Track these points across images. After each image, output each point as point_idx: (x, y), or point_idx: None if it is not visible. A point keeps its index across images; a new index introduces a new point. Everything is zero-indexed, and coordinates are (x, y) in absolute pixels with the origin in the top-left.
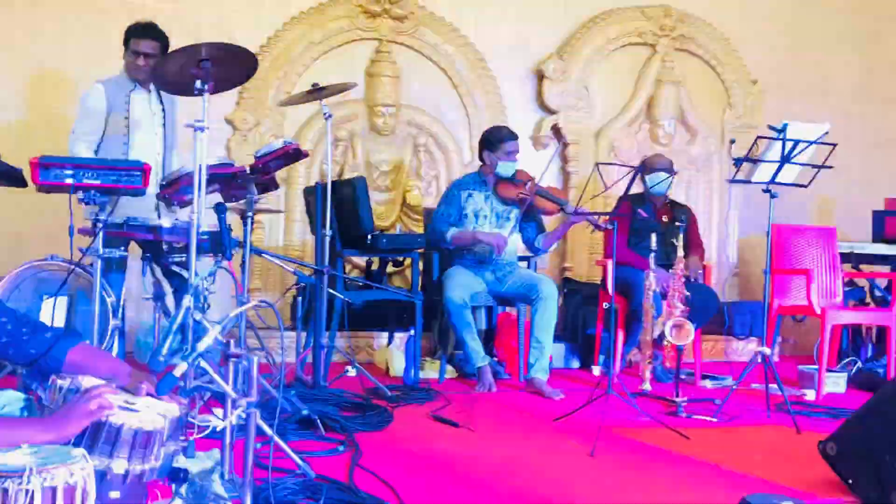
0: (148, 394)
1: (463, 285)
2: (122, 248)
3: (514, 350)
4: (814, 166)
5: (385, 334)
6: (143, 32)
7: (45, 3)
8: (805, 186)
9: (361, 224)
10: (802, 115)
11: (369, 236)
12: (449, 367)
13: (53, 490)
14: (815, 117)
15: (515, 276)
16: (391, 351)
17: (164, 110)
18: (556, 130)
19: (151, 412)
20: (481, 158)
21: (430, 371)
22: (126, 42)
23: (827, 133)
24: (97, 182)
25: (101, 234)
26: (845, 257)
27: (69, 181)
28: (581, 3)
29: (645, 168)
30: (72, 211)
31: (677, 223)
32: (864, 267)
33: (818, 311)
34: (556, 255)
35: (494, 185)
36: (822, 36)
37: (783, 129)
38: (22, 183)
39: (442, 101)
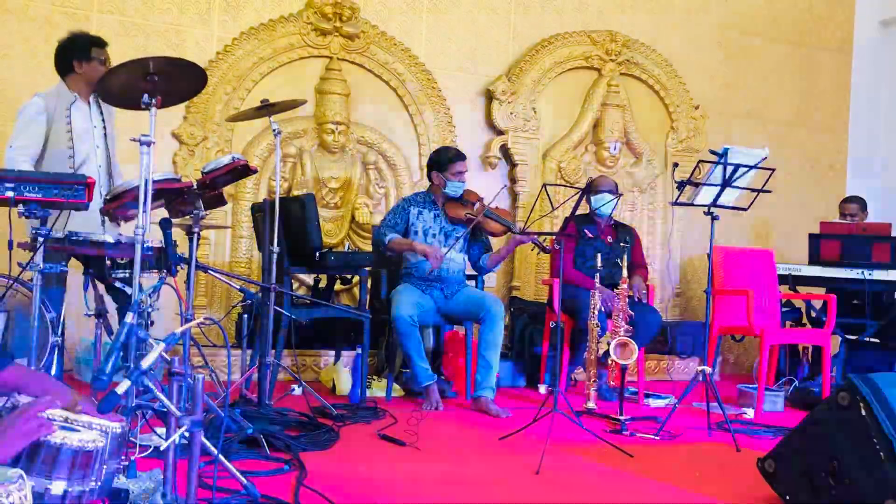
0: (86, 412)
1: (411, 303)
2: (63, 263)
3: (462, 368)
4: (753, 190)
5: (332, 352)
6: (100, 41)
7: None
8: (745, 209)
9: (309, 241)
10: (741, 140)
11: (317, 253)
12: (396, 386)
13: None
14: (754, 143)
15: (463, 295)
16: (338, 369)
17: (104, 122)
18: (504, 150)
19: (91, 431)
20: (430, 178)
21: (377, 389)
22: (85, 53)
23: (766, 158)
24: (39, 196)
25: (41, 249)
26: (783, 279)
27: (9, 194)
28: (530, 27)
29: (591, 189)
30: (11, 224)
31: (622, 244)
32: (800, 288)
33: (757, 332)
34: (504, 274)
35: (443, 204)
36: (761, 65)
37: (724, 154)
38: None
39: (392, 120)
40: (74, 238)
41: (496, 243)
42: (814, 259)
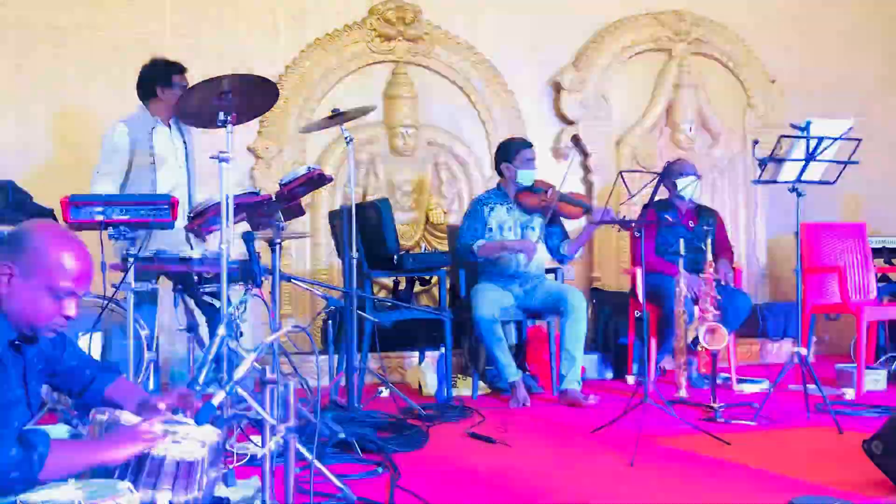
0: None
1: (491, 300)
2: (153, 281)
3: (546, 363)
4: (840, 162)
5: (416, 353)
6: (181, 67)
7: (67, 43)
8: (832, 183)
9: (387, 245)
10: (824, 111)
11: (395, 256)
12: (481, 384)
13: None
14: (837, 113)
15: (543, 289)
16: (423, 370)
17: (185, 143)
18: (576, 140)
19: (192, 442)
20: (499, 172)
21: (463, 388)
22: (167, 79)
23: (851, 128)
24: (126, 217)
25: (132, 269)
26: (877, 252)
27: (99, 218)
28: (594, 13)
29: (671, 173)
30: (102, 247)
31: (704, 227)
32: None
33: (853, 309)
34: (584, 264)
35: (515, 195)
36: (840, 30)
37: (806, 127)
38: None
39: (460, 119)
40: (162, 256)
41: (573, 230)
42: None
